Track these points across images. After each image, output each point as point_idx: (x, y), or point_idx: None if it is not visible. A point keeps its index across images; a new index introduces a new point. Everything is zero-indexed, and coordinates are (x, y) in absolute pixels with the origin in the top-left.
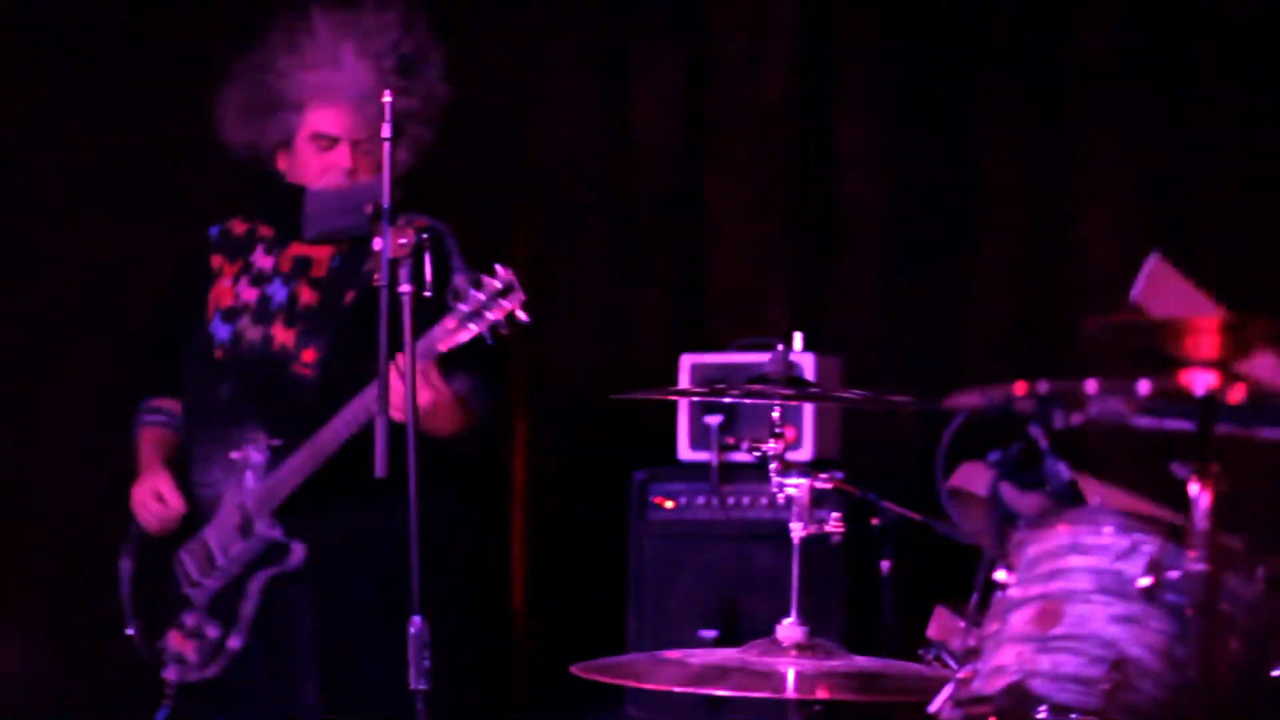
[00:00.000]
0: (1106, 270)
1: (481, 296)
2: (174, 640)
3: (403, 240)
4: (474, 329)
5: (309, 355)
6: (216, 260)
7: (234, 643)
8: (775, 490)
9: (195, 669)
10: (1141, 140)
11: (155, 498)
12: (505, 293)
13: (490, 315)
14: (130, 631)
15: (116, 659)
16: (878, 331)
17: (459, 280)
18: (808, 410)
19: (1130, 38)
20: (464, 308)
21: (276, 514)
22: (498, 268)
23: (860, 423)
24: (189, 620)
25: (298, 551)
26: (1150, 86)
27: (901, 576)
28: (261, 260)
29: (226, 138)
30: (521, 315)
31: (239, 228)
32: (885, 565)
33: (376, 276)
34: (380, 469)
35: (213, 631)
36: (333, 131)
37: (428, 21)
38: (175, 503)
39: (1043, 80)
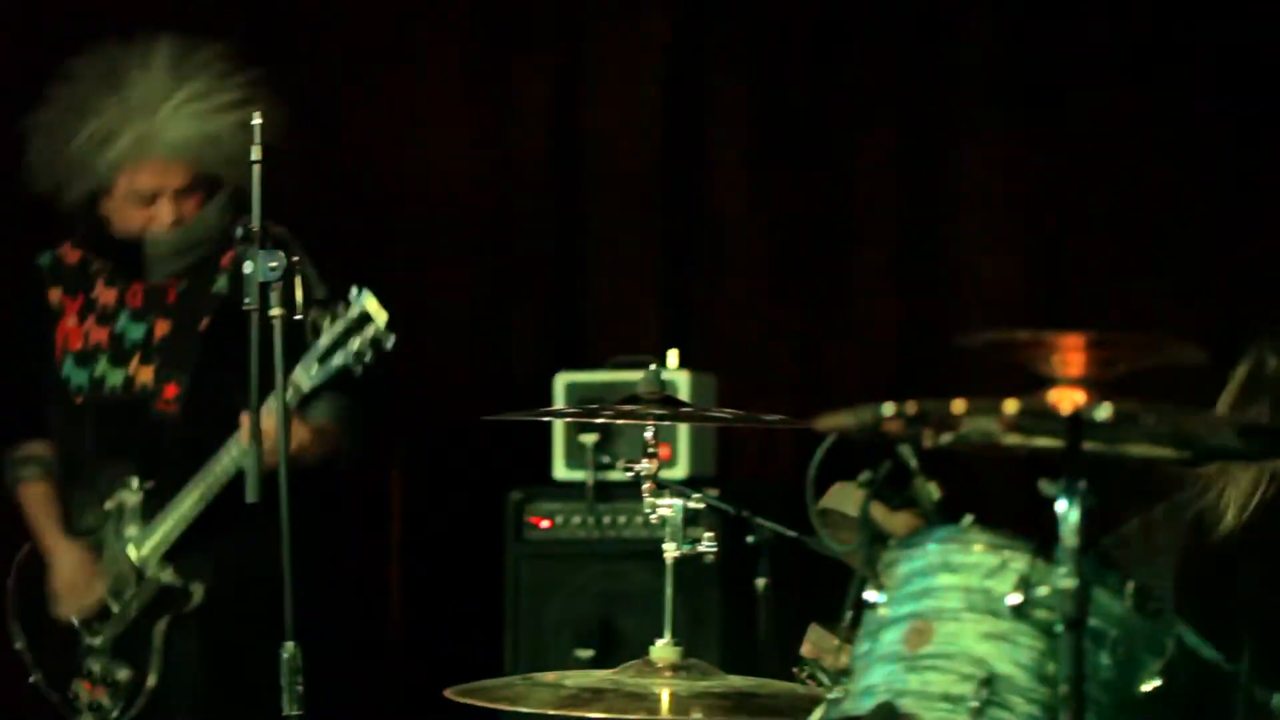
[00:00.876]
0: (982, 280)
1: (339, 329)
2: (85, 689)
3: (273, 264)
4: (336, 362)
5: (170, 391)
6: (54, 294)
7: (151, 681)
8: (648, 510)
9: (117, 713)
10: (1014, 149)
11: (81, 583)
12: (364, 321)
13: (352, 346)
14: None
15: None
16: (755, 348)
17: (315, 314)
18: (683, 429)
19: (1002, 46)
20: (323, 342)
21: (166, 556)
22: (355, 293)
23: (737, 440)
24: (95, 667)
25: (196, 592)
26: (1022, 94)
27: (778, 594)
28: (104, 295)
29: (35, 185)
30: (385, 343)
31: (71, 256)
32: (761, 583)
33: (246, 301)
34: (252, 495)
35: (123, 674)
36: (151, 187)
37: (261, 50)
38: (99, 590)
39: (914, 90)
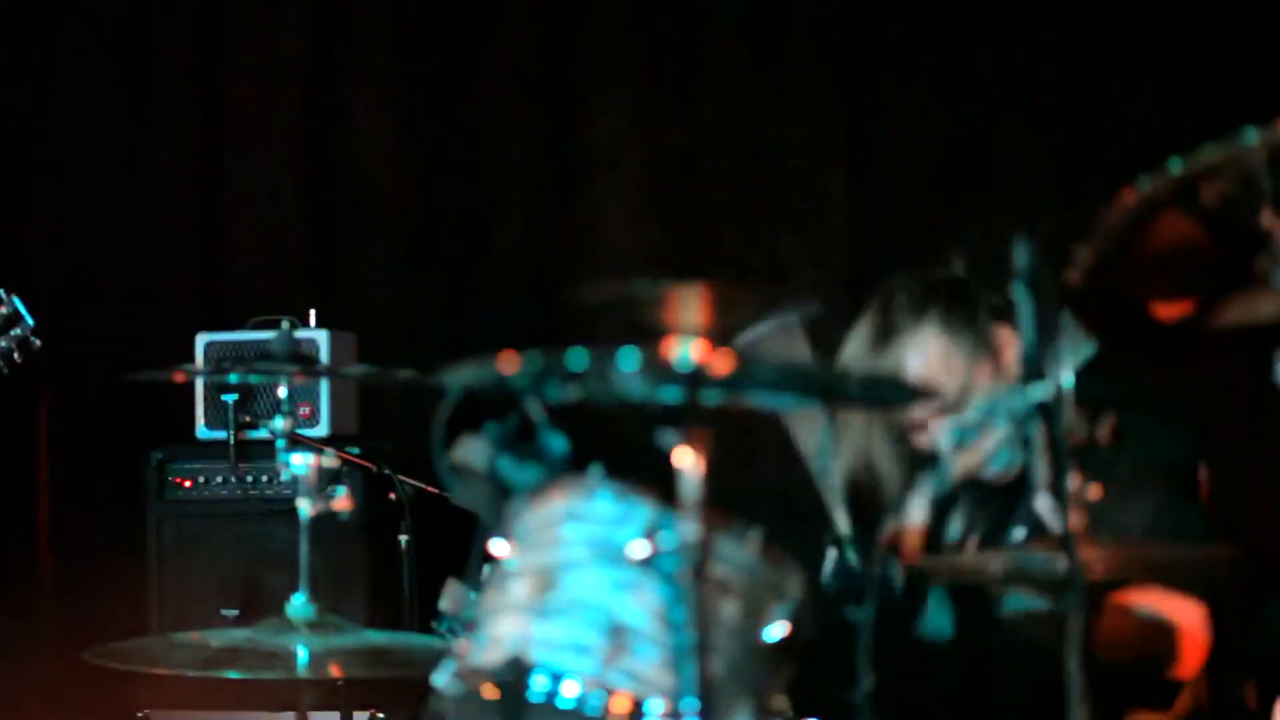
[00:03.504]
0: (616, 240)
1: None
2: None
3: None
4: None
5: None
6: None
7: None
8: (282, 468)
9: None
10: (646, 113)
11: None
12: (12, 322)
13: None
14: None
15: None
16: (398, 307)
17: None
18: (324, 387)
19: (632, 13)
20: None
21: None
22: (3, 295)
23: (380, 399)
24: None
25: None
26: (656, 63)
27: (420, 550)
28: None
29: None
30: (34, 341)
31: None
32: (404, 539)
33: None
34: None
35: None
36: None
37: None
38: None
39: (551, 56)
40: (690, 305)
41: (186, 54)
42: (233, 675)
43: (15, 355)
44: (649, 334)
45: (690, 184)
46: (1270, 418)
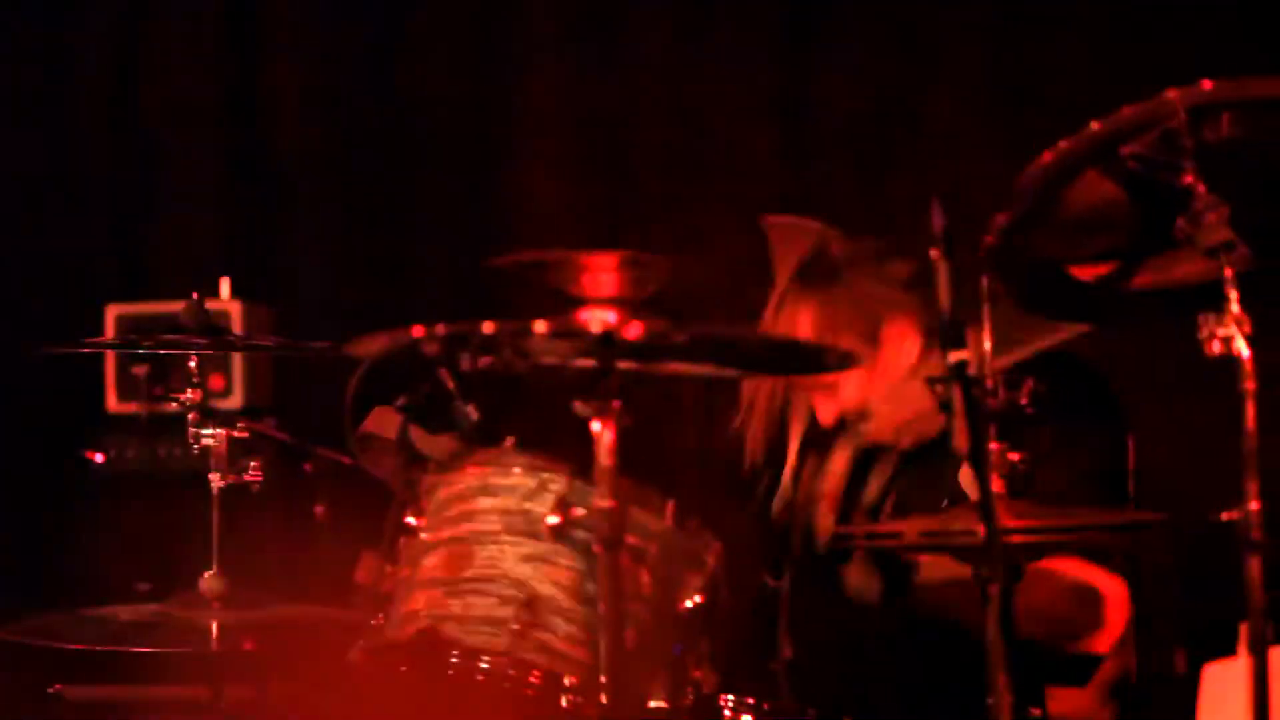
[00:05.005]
0: (544, 208)
1: None
2: None
3: None
4: None
5: None
6: None
7: None
8: (192, 441)
9: None
10: (577, 81)
11: None
12: None
13: None
14: None
15: None
16: (319, 277)
17: None
18: (237, 359)
19: None
20: None
21: None
22: None
23: (296, 370)
24: None
25: None
26: (583, 26)
27: (336, 522)
28: None
29: None
30: None
31: None
32: (319, 511)
33: None
34: None
35: None
36: None
37: None
38: None
39: (477, 20)
40: (603, 272)
41: (101, 22)
42: (144, 650)
43: None
44: (570, 302)
45: (619, 148)
46: (1194, 381)
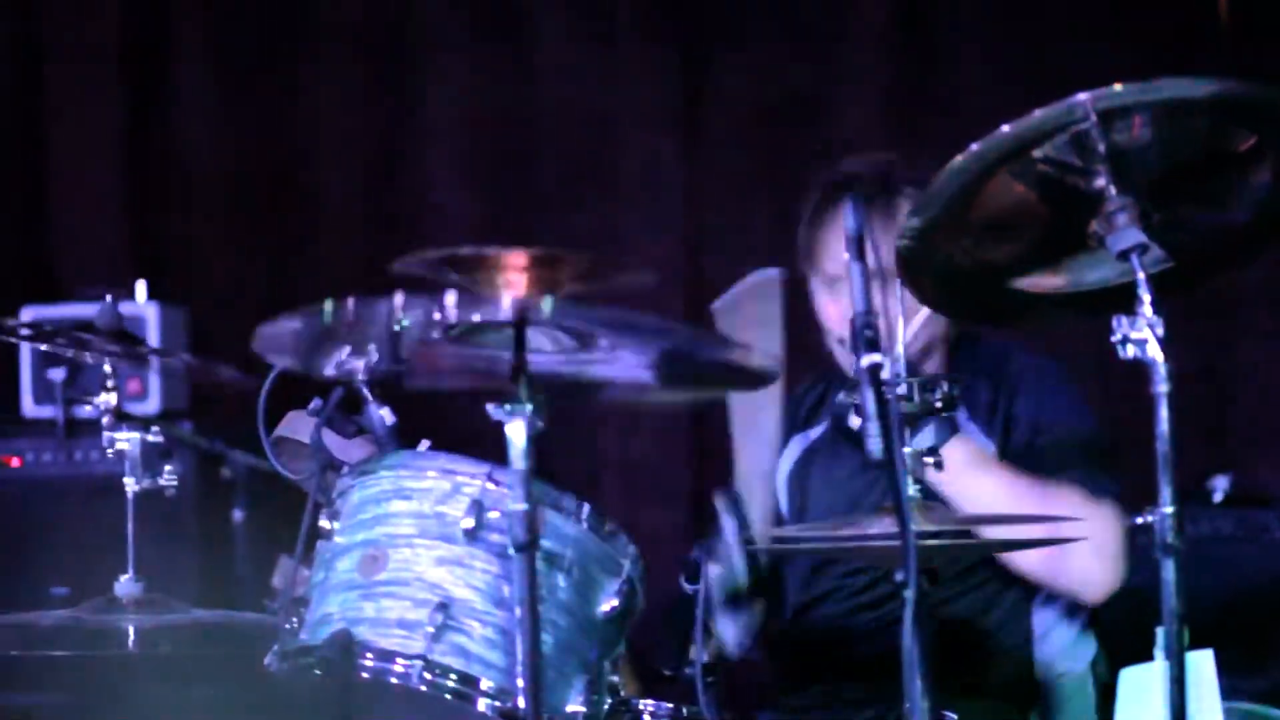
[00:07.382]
0: (447, 211)
1: None
2: None
3: None
4: None
5: None
6: None
7: None
8: (107, 445)
9: None
10: (475, 86)
11: None
12: None
13: None
14: None
15: None
16: (228, 280)
17: None
18: (154, 362)
19: None
20: None
21: None
22: None
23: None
24: None
25: None
26: (486, 28)
27: (254, 527)
28: None
29: None
30: None
31: None
32: (238, 515)
33: None
34: None
35: None
36: None
37: None
38: None
39: (380, 22)
40: (513, 271)
41: (4, 21)
42: (61, 654)
43: None
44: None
45: (522, 151)
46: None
